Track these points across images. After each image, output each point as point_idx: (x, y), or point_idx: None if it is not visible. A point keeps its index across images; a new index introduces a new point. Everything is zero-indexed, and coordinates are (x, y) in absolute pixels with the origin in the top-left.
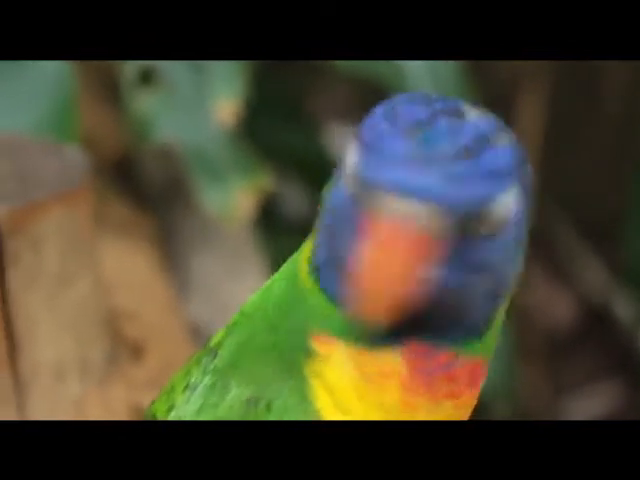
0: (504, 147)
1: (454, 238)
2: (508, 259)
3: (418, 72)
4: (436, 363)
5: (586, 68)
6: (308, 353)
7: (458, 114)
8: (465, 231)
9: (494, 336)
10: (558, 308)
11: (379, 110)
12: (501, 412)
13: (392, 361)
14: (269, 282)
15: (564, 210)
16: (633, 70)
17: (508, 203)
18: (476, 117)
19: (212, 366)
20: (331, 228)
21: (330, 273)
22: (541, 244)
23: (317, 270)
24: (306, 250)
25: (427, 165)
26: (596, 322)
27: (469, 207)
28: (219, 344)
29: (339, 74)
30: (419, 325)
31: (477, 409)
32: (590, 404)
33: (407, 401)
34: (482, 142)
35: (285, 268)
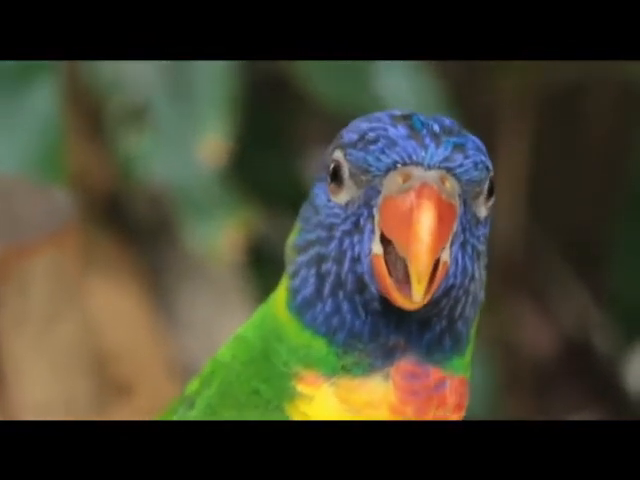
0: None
1: (461, 209)
2: (485, 255)
3: (400, 101)
4: (426, 384)
5: (571, 96)
6: (291, 396)
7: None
8: (468, 201)
9: (470, 354)
10: (542, 341)
11: (350, 125)
12: None
13: (381, 389)
14: (240, 330)
15: (549, 242)
16: (617, 98)
17: (492, 183)
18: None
19: (190, 416)
20: (319, 256)
21: (316, 307)
22: (526, 278)
23: (300, 308)
24: (280, 295)
25: (431, 140)
26: (579, 354)
27: (473, 174)
28: (195, 393)
29: (324, 108)
30: (428, 322)
31: None
32: None
33: None
34: (458, 127)
35: (256, 317)
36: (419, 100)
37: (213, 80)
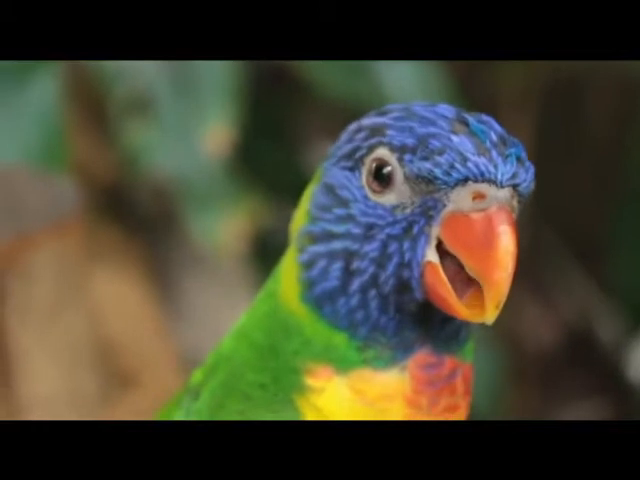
0: None
1: None
2: None
3: (404, 94)
4: (440, 374)
5: (572, 91)
6: (301, 389)
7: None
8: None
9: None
10: (545, 332)
11: (388, 117)
12: None
13: (397, 380)
14: (242, 322)
15: (552, 234)
16: (618, 93)
17: None
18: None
19: (195, 408)
20: (347, 252)
21: (339, 300)
22: (529, 270)
23: (318, 300)
24: (289, 285)
25: (498, 154)
26: (582, 345)
27: (531, 187)
28: (200, 385)
29: (328, 100)
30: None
31: None
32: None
33: (409, 418)
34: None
35: (258, 308)
36: (422, 93)
37: (217, 71)
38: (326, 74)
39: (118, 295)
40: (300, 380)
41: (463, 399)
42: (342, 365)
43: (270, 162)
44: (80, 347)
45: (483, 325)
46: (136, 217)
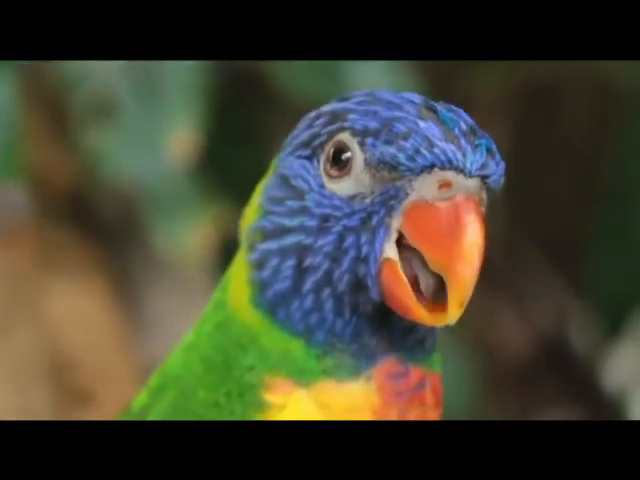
0: None
1: None
2: None
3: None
4: (408, 384)
5: (549, 94)
6: (260, 406)
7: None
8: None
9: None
10: (521, 340)
11: (351, 102)
12: None
13: (363, 391)
14: (190, 338)
15: (528, 240)
16: (596, 96)
17: None
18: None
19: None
20: (300, 247)
21: (292, 303)
22: (504, 276)
23: (271, 304)
24: (239, 289)
25: (467, 142)
26: (557, 353)
27: (501, 181)
28: (145, 407)
29: (297, 104)
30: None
31: None
32: None
33: None
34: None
35: (206, 321)
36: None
37: (182, 74)
38: (295, 78)
39: (75, 307)
40: (258, 396)
41: (433, 411)
42: (302, 377)
43: (237, 168)
44: (32, 363)
45: (447, 328)
46: (98, 225)
